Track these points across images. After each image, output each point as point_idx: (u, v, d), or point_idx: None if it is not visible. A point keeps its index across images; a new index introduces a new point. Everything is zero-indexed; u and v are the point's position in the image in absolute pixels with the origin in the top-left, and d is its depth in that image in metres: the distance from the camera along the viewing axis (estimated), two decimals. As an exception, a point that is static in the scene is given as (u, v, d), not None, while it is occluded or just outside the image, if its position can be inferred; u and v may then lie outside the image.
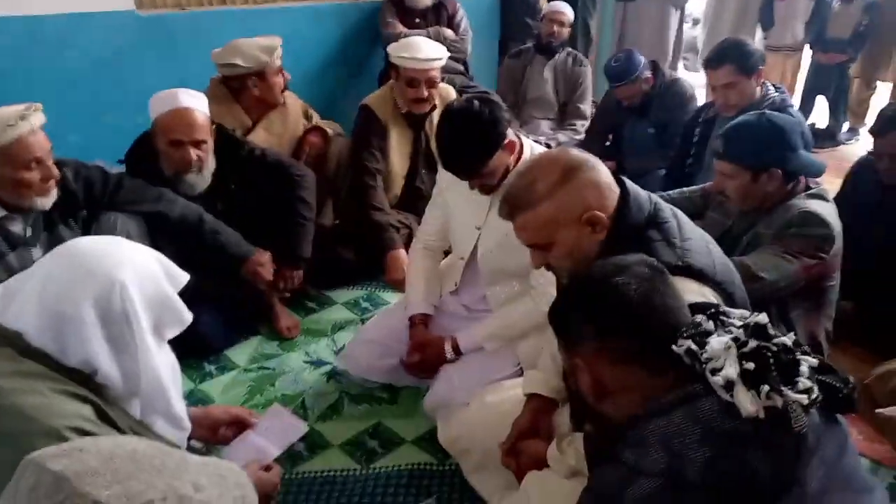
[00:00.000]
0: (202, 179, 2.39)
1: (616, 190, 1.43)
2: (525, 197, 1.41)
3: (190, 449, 1.47)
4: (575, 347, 1.08)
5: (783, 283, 1.88)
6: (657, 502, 0.90)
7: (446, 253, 2.36)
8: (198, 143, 2.32)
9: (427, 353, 2.11)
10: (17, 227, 2.01)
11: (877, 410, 1.84)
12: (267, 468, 1.50)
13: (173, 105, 2.29)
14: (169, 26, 3.63)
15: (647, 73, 3.41)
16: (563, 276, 1.55)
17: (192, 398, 2.25)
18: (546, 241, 1.43)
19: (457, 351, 2.08)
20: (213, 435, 1.65)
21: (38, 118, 1.93)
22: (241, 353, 2.51)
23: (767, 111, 2.15)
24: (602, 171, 1.43)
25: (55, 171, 1.99)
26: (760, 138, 1.95)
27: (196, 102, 2.34)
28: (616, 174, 1.47)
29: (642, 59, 3.40)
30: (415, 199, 3.08)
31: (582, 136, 3.96)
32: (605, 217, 1.39)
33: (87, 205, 2.17)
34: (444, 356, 2.08)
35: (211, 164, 2.40)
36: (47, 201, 2.00)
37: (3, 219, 1.97)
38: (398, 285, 2.62)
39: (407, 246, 2.72)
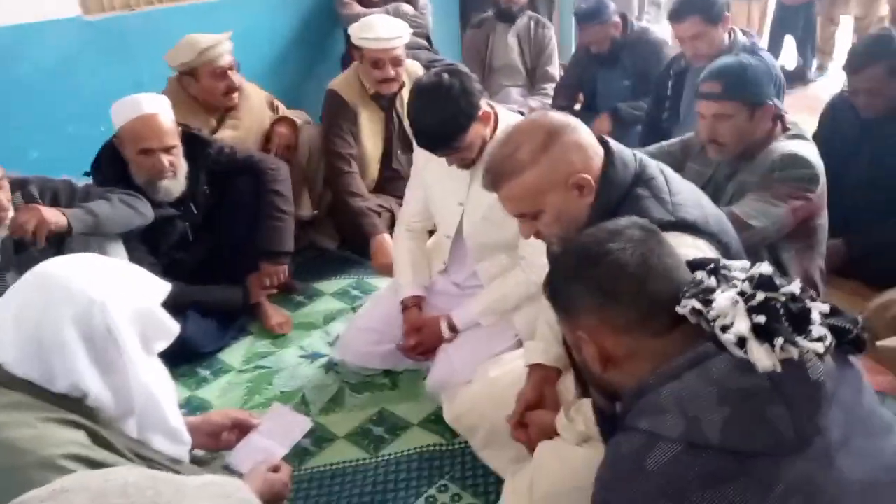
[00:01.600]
0: (177, 184, 2.33)
1: (600, 150, 1.40)
2: (509, 165, 1.38)
3: (193, 459, 1.44)
4: (576, 321, 1.05)
5: (773, 228, 1.88)
6: (679, 467, 0.88)
7: (431, 232, 2.33)
8: (168, 149, 2.26)
9: (424, 334, 2.09)
10: (-15, 256, 1.94)
11: (877, 343, 1.84)
12: (275, 469, 1.47)
13: (138, 112, 2.22)
14: (119, 28, 3.51)
15: (616, 18, 3.42)
16: (554, 243, 1.52)
17: (190, 405, 2.21)
18: (534, 210, 1.40)
19: (453, 329, 2.06)
20: (215, 442, 1.61)
21: None
22: (234, 355, 2.46)
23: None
24: (584, 132, 1.40)
25: (7, 203, 1.91)
26: (756, 73, 1.97)
27: (160, 106, 2.27)
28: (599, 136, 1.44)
29: (612, 4, 3.40)
30: (393, 182, 3.03)
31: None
32: (591, 179, 1.36)
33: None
34: (440, 336, 2.06)
35: (183, 167, 2.34)
36: (5, 230, 1.93)
37: (-32, 250, 1.90)
38: (386, 270, 2.59)
39: (390, 229, 2.68)
